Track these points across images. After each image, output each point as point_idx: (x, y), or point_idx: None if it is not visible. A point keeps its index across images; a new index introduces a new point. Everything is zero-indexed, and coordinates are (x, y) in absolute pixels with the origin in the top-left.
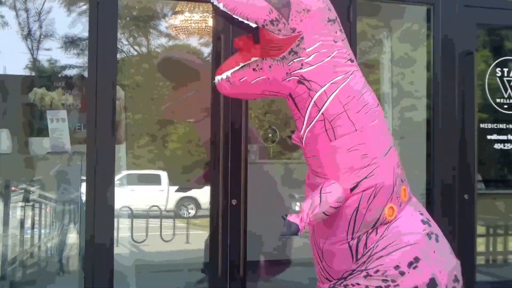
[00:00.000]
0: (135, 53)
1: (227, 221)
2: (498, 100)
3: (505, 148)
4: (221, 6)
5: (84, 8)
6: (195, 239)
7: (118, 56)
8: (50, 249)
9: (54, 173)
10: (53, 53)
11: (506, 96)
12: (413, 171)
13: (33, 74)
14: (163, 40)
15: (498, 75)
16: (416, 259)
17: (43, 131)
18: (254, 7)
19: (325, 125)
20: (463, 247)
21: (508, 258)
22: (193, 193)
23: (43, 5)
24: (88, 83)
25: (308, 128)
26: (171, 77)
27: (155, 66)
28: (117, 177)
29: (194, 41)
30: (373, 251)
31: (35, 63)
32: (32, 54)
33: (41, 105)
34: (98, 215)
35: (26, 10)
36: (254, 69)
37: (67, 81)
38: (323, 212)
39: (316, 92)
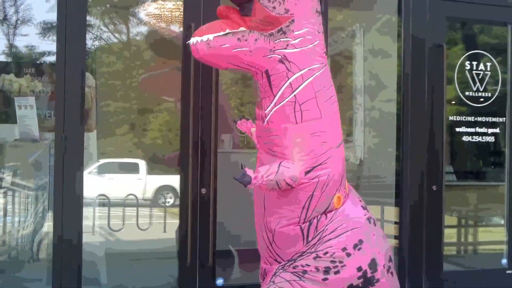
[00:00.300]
0: (116, 40)
1: (196, 210)
2: (467, 93)
3: (474, 140)
4: None
5: None
6: (172, 228)
7: (98, 43)
8: (22, 237)
9: (32, 161)
10: (30, 39)
11: (475, 89)
12: (382, 161)
13: (8, 60)
14: (142, 28)
15: (467, 68)
16: (360, 241)
17: (11, 118)
18: None
19: (294, 107)
20: (431, 238)
21: (477, 248)
22: (171, 181)
23: None
24: (57, 70)
25: (276, 107)
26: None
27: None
28: (95, 166)
29: (168, 29)
30: (323, 234)
31: (10, 49)
32: (8, 40)
33: (9, 92)
34: (66, 204)
35: None
36: (238, 39)
37: (37, 67)
38: (276, 182)
39: (294, 74)
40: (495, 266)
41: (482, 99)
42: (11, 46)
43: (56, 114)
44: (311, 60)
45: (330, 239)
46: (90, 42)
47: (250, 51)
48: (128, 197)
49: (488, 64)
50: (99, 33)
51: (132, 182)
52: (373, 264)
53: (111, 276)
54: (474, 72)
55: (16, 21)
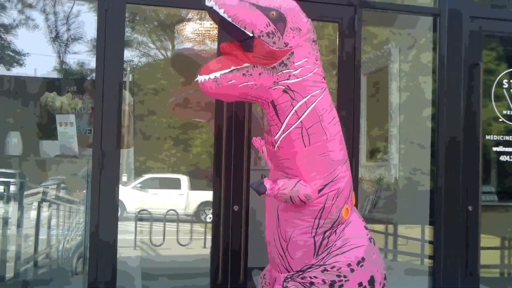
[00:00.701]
0: (162, 57)
1: (229, 227)
2: (505, 112)
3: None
4: (221, 12)
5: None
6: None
7: (145, 60)
8: (64, 250)
9: (78, 176)
10: (81, 56)
11: None
12: (417, 180)
13: (56, 77)
14: (186, 45)
15: (505, 86)
16: (363, 259)
17: (53, 135)
18: (253, 18)
19: (302, 132)
20: (468, 259)
21: None
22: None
23: (71, 9)
24: (95, 87)
25: (285, 134)
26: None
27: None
28: (139, 181)
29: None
30: (331, 249)
31: (61, 66)
32: (59, 57)
33: (51, 109)
34: (102, 218)
35: (55, 14)
36: (243, 74)
37: (79, 85)
38: (290, 197)
39: (298, 102)
40: None
41: None
42: (61, 63)
43: (94, 131)
44: (312, 87)
45: (338, 255)
46: (137, 59)
47: (256, 85)
48: (169, 213)
49: None
50: (146, 50)
51: (174, 198)
52: (371, 281)
53: None
54: None
55: (67, 39)
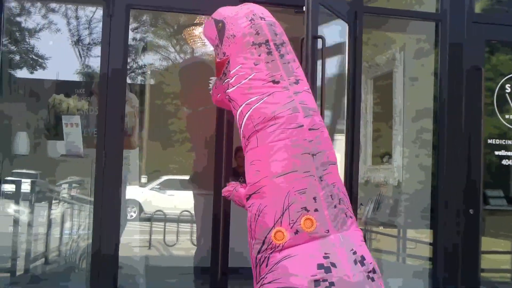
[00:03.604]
0: (181, 60)
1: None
2: (507, 116)
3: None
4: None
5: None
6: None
7: (165, 63)
8: (71, 248)
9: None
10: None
11: None
12: (420, 183)
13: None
14: (206, 49)
15: (507, 91)
16: None
17: (59, 135)
18: (210, 33)
19: (244, 141)
20: (467, 263)
21: None
22: None
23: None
24: (100, 89)
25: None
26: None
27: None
28: (157, 182)
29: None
30: (263, 281)
31: (83, 68)
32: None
33: (59, 110)
34: (105, 218)
35: (65, 17)
36: (215, 87)
37: (86, 87)
38: (231, 197)
39: (237, 111)
40: None
41: None
42: (85, 65)
43: (98, 132)
44: (247, 94)
45: None
46: (158, 62)
47: (219, 95)
48: (182, 213)
49: None
50: (166, 54)
51: (190, 199)
52: None
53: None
54: None
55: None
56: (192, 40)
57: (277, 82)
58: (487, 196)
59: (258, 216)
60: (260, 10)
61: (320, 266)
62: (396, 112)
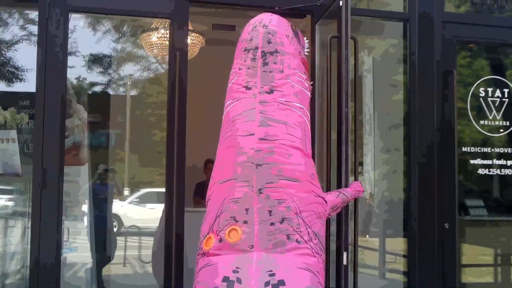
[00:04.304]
0: (162, 71)
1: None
2: (481, 122)
3: (490, 174)
4: None
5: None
6: None
7: (146, 74)
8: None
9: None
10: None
11: (491, 117)
12: (393, 196)
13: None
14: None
15: (481, 95)
16: None
17: None
18: None
19: None
20: (445, 278)
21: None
22: None
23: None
24: (36, 102)
25: None
26: None
27: None
28: (136, 195)
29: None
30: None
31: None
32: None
33: None
34: (44, 236)
35: None
36: None
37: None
38: None
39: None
40: None
41: (501, 129)
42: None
43: (34, 148)
44: (227, 97)
45: None
46: (139, 73)
47: None
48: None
49: (506, 90)
50: (147, 65)
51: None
52: None
53: None
54: (489, 99)
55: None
56: (149, 47)
57: (249, 89)
58: (466, 206)
59: (204, 221)
60: (269, 19)
61: (225, 279)
62: (365, 119)
